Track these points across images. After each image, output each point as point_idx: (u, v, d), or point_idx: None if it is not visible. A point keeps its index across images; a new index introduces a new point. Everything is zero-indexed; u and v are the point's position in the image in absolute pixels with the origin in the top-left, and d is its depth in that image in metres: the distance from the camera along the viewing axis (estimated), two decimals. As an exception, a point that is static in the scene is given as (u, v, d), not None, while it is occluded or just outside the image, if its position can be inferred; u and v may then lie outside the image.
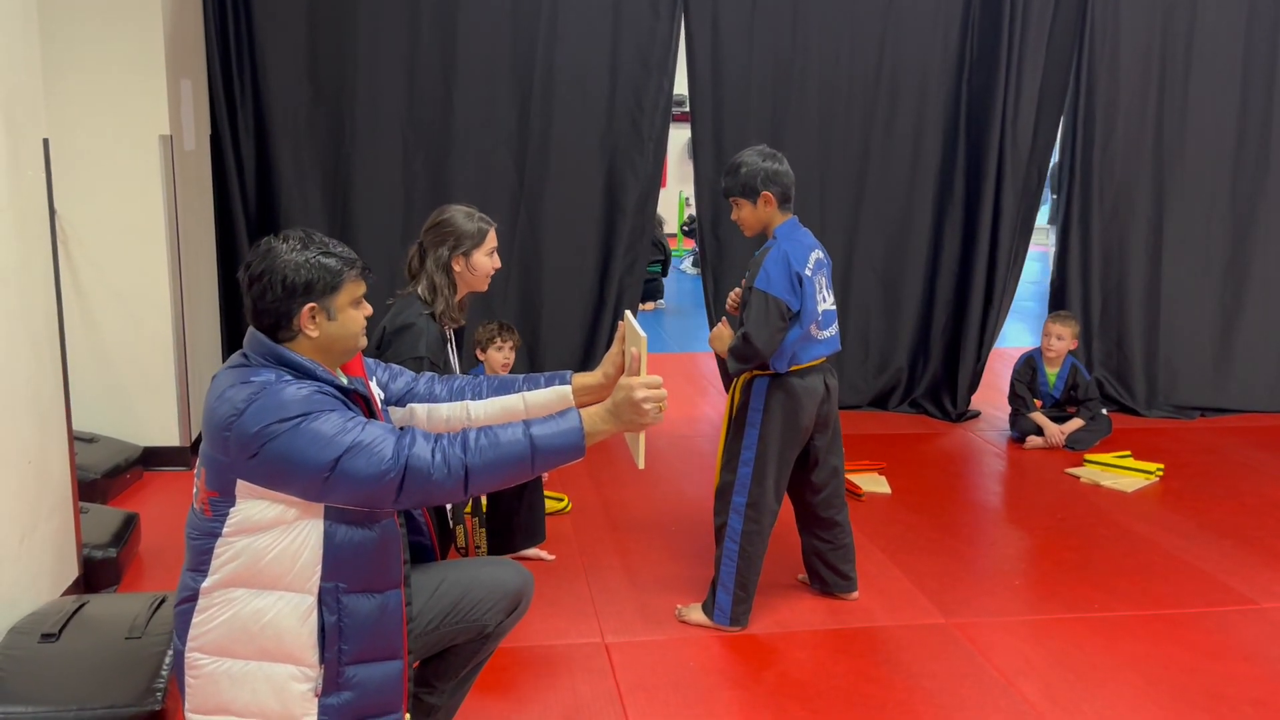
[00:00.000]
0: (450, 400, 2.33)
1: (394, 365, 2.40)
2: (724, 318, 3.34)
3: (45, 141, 3.08)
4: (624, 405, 2.01)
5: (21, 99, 2.92)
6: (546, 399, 2.31)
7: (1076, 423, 5.14)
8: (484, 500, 3.57)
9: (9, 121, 2.82)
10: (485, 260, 3.20)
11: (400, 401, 2.33)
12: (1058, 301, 5.89)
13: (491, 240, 3.21)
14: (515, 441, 1.95)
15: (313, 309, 1.99)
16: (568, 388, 2.32)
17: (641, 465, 2.10)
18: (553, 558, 3.76)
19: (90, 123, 4.25)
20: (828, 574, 3.43)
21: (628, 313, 2.28)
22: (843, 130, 5.56)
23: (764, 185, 3.14)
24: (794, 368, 3.15)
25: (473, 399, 2.33)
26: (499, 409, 2.31)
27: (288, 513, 1.94)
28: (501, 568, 2.38)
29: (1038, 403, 5.28)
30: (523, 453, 1.95)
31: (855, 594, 3.45)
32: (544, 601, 3.36)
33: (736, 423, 3.21)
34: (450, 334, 3.25)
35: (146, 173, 4.33)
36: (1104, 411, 5.36)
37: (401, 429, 1.98)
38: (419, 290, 3.17)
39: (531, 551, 3.72)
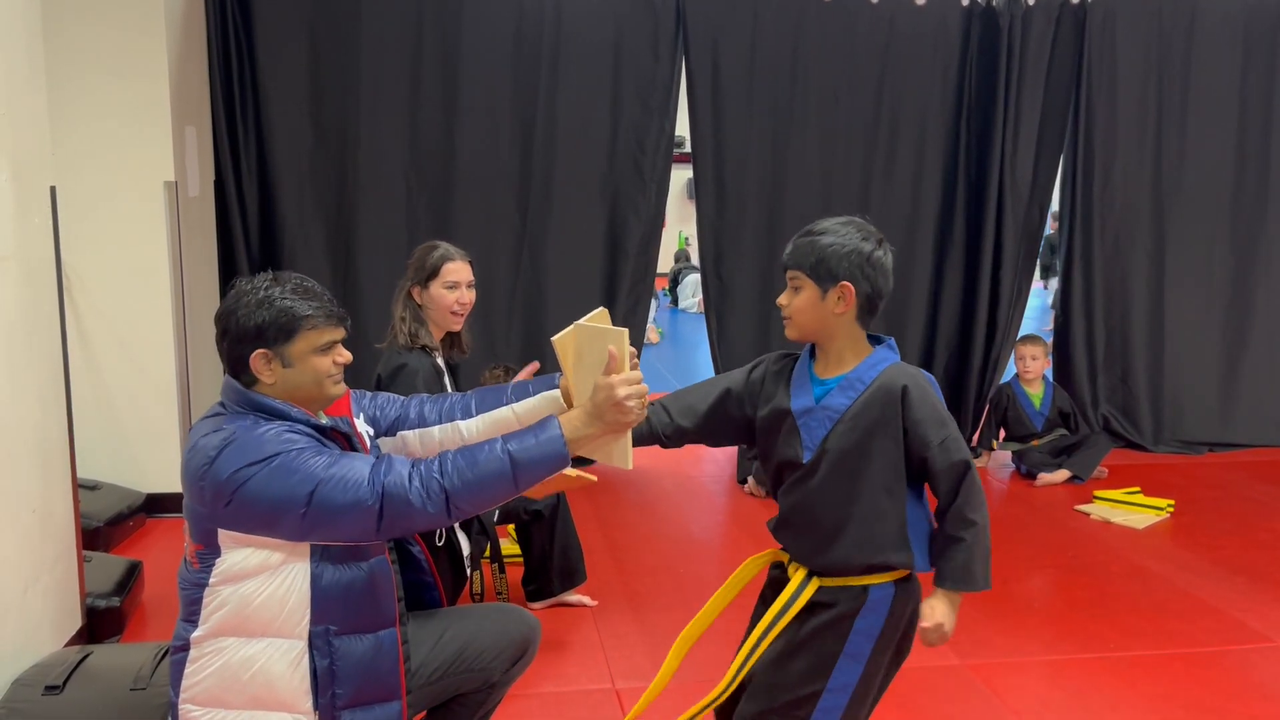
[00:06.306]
0: (441, 423, 2.24)
1: (380, 395, 2.30)
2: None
3: (52, 189, 3.08)
4: (605, 405, 1.91)
5: (28, 147, 2.93)
6: (536, 405, 2.19)
7: (1063, 474, 5.15)
8: (501, 544, 3.50)
9: (16, 169, 2.82)
10: (442, 293, 3.09)
11: (390, 430, 2.25)
12: (1061, 337, 5.89)
13: (450, 273, 3.10)
14: (493, 459, 1.88)
15: (265, 355, 1.94)
16: (556, 392, 2.19)
17: (629, 466, 2.00)
18: (594, 603, 3.66)
19: (96, 170, 4.26)
20: None
21: (593, 314, 2.03)
22: (843, 170, 5.59)
23: (849, 275, 1.98)
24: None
25: (462, 418, 2.23)
26: (490, 423, 2.21)
27: (272, 557, 1.91)
28: (506, 616, 2.34)
29: (996, 443, 5.43)
30: (502, 469, 1.88)
31: None
32: (552, 646, 3.31)
33: (814, 644, 2.05)
34: (444, 365, 3.18)
35: (151, 219, 4.33)
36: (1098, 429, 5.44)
37: (379, 458, 1.92)
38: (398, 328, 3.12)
39: (574, 597, 3.63)
